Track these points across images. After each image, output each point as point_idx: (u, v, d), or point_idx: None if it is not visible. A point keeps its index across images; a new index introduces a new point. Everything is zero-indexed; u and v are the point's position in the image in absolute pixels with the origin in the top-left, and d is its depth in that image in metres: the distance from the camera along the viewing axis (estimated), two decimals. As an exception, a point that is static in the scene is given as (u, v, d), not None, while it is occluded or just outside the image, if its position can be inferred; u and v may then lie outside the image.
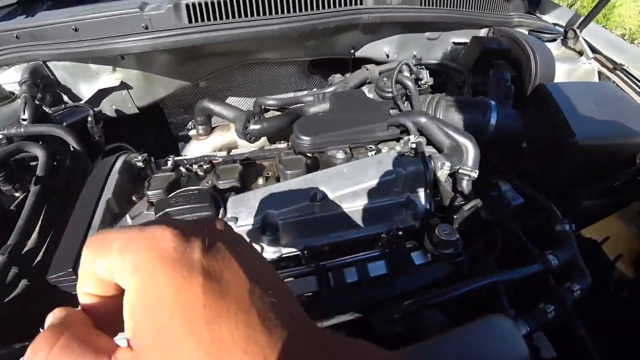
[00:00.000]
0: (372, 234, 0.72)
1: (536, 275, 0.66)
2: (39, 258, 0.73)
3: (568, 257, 0.69)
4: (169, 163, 0.88)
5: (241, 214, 0.70)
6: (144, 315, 0.19)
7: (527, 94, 1.06)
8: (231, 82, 1.24)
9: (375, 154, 0.79)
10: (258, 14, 0.94)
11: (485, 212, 0.75)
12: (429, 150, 0.85)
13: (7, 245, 0.66)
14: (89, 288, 0.22)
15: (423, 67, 1.02)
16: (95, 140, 1.03)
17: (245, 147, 1.02)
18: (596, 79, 1.20)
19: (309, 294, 0.61)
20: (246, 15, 0.94)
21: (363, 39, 1.11)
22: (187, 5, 0.93)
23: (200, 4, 0.92)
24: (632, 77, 1.12)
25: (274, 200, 0.71)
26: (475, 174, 0.83)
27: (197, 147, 1.06)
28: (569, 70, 1.20)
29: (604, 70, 1.19)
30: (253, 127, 0.91)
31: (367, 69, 1.05)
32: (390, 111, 0.91)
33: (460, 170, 0.83)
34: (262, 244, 0.71)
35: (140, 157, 0.88)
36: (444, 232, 0.65)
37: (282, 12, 0.95)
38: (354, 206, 0.72)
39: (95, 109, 1.01)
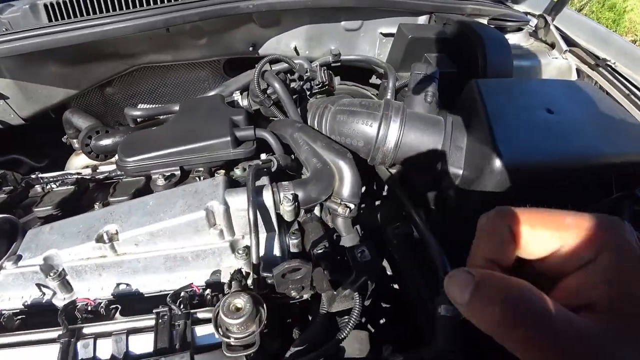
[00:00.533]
0: (171, 289, 0.56)
1: None
2: None
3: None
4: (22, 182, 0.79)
5: (27, 252, 0.58)
6: None
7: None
8: (139, 88, 1.14)
9: (202, 180, 0.63)
10: (121, 8, 0.82)
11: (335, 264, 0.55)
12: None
13: None
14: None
15: (324, 67, 0.83)
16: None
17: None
18: (574, 78, 0.92)
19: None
20: (112, 10, 0.82)
21: (263, 33, 0.94)
22: (45, 5, 0.83)
23: (58, 3, 0.82)
24: (617, 75, 0.84)
25: (64, 237, 0.58)
26: (349, 208, 0.63)
27: (76, 162, 0.96)
28: (536, 67, 0.93)
29: (583, 68, 0.90)
30: (97, 143, 0.79)
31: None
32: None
33: (327, 203, 0.64)
34: (51, 287, 0.58)
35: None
36: (233, 309, 0.46)
37: (148, 4, 0.81)
38: (155, 250, 0.57)
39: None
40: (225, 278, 0.57)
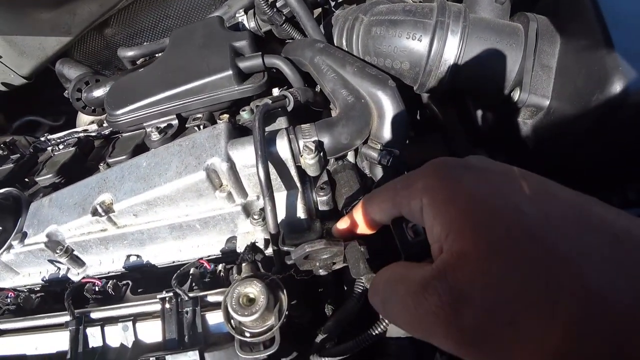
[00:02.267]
0: (186, 259, 0.48)
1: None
2: None
3: None
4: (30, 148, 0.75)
5: (31, 228, 0.54)
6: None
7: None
8: (140, 25, 0.99)
9: (202, 128, 0.51)
10: None
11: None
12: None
13: None
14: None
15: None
16: (-7, 121, 0.95)
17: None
18: None
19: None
20: None
21: None
22: None
23: None
24: None
25: (62, 211, 0.52)
26: (393, 155, 0.48)
27: (83, 118, 0.90)
28: None
29: None
30: (88, 94, 0.69)
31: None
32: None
33: (363, 149, 0.49)
34: (62, 264, 0.54)
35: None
36: (244, 300, 0.36)
37: None
38: (156, 220, 0.48)
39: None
40: (241, 247, 0.48)
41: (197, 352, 0.36)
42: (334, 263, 0.39)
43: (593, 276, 0.15)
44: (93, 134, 0.74)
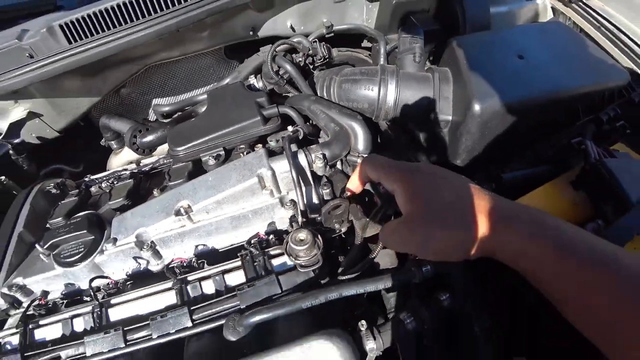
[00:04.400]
0: (240, 242, 0.76)
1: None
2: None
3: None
4: (73, 189, 0.97)
5: (120, 234, 0.77)
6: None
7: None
8: (151, 85, 1.27)
9: (246, 154, 0.81)
10: (132, 20, 0.95)
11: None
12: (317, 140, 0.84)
13: None
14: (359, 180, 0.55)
15: (322, 42, 0.98)
16: (25, 169, 1.14)
17: (160, 155, 1.08)
18: (550, 17, 1.06)
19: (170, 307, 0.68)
20: (123, 24, 0.96)
21: (260, 17, 1.07)
22: (61, 26, 0.96)
23: (72, 22, 0.95)
24: (589, 9, 0.97)
25: (146, 219, 0.77)
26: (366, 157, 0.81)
27: (115, 161, 1.13)
28: (513, 12, 1.07)
29: (558, 5, 1.04)
30: (142, 140, 0.96)
31: (260, 53, 1.02)
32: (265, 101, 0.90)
33: (348, 157, 0.82)
34: (145, 258, 0.78)
35: (53, 184, 0.97)
36: (296, 239, 0.65)
37: (155, 12, 0.94)
38: (222, 214, 0.76)
39: (14, 142, 1.11)
40: (279, 226, 0.77)
41: (273, 275, 0.64)
42: (343, 221, 0.70)
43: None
44: (135, 171, 0.99)
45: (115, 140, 1.09)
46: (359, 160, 0.81)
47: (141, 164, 1.02)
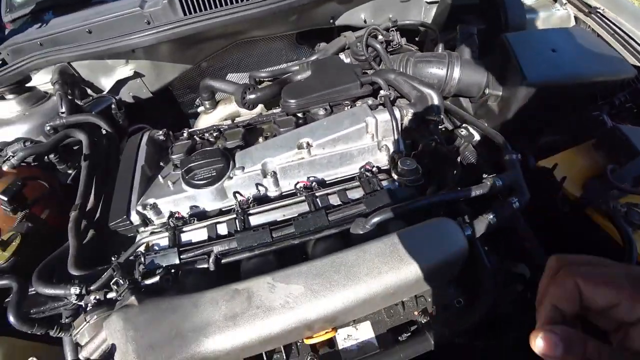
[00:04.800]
0: (351, 173, 0.96)
1: (485, 196, 0.87)
2: (97, 214, 1.00)
3: (512, 180, 0.89)
4: (185, 134, 1.13)
5: (246, 164, 0.95)
6: None
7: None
8: (229, 61, 1.46)
9: (350, 108, 1.01)
10: (237, 2, 1.15)
11: (444, 146, 0.97)
12: (400, 101, 1.06)
13: (76, 204, 0.93)
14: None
15: (394, 29, 1.21)
16: (120, 123, 1.28)
17: (246, 115, 1.26)
18: (572, 24, 1.35)
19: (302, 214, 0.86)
20: (233, 3, 1.16)
21: (341, 8, 1.30)
22: (181, 1, 1.15)
23: (192, -1, 1.14)
24: (605, 19, 1.26)
25: (271, 151, 0.95)
26: (439, 119, 1.04)
27: (206, 120, 1.30)
28: (543, 18, 1.35)
29: (580, 15, 1.33)
30: (249, 97, 1.14)
31: (345, 36, 1.25)
32: (365, 72, 1.12)
33: (427, 117, 1.04)
34: (265, 185, 0.95)
35: (160, 132, 1.13)
36: (405, 163, 0.87)
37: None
38: (335, 150, 0.95)
39: (115, 97, 1.26)
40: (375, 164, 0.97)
41: (384, 190, 0.84)
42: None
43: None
44: (231, 126, 1.17)
45: (209, 101, 1.26)
46: (437, 119, 1.02)
47: (236, 121, 1.20)
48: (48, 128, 1.12)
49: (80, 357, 0.67)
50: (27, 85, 1.24)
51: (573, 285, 0.30)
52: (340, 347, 0.78)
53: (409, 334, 0.80)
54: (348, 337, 0.79)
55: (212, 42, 1.32)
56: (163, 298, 0.68)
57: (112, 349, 0.63)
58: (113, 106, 1.25)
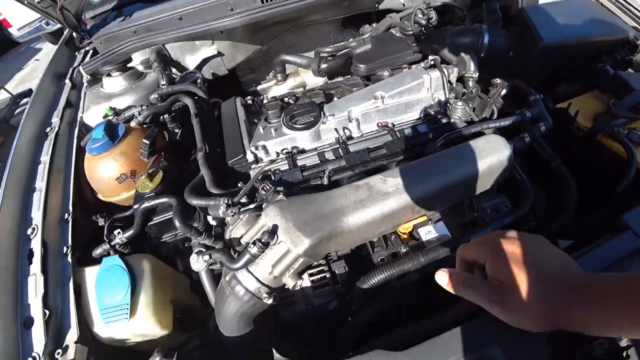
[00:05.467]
0: (413, 118, 1.24)
1: (516, 124, 1.16)
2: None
3: (537, 111, 1.18)
4: (265, 100, 1.40)
5: (335, 112, 1.21)
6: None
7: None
8: (285, 43, 1.74)
9: (408, 69, 1.30)
10: None
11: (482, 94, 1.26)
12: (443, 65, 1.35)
13: (200, 147, 1.18)
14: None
15: (431, 9, 1.50)
16: (203, 97, 1.54)
17: (311, 85, 1.54)
18: None
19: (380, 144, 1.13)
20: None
21: (384, -6, 1.59)
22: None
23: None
24: None
25: (354, 102, 1.22)
26: (475, 75, 1.33)
27: (277, 90, 1.57)
28: None
29: None
30: (323, 66, 1.42)
31: (390, 17, 1.53)
32: (413, 44, 1.41)
33: (465, 75, 1.33)
34: (349, 128, 1.22)
35: (248, 98, 1.40)
36: (457, 104, 1.15)
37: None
38: (401, 100, 1.23)
39: (200, 73, 1.52)
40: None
41: (445, 124, 1.12)
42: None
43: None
44: (304, 92, 1.44)
45: (281, 74, 1.53)
46: (474, 75, 1.31)
47: (307, 88, 1.47)
48: (155, 96, 1.37)
49: (242, 241, 0.92)
50: (129, 65, 1.49)
51: (463, 249, 0.67)
52: (423, 239, 1.05)
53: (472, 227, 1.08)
54: (428, 233, 1.06)
55: (278, 26, 1.59)
56: (301, 195, 0.94)
57: (274, 228, 0.88)
58: (199, 80, 1.50)
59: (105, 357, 1.04)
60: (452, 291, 0.67)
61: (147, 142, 1.14)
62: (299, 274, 0.89)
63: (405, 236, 1.03)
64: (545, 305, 0.55)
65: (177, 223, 1.01)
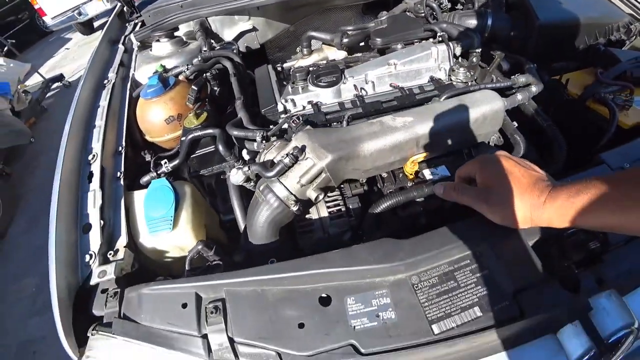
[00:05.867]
0: (421, 82, 1.43)
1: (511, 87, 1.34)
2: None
3: (531, 77, 1.36)
4: (292, 68, 1.61)
5: (354, 75, 1.42)
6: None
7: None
8: (311, 25, 1.96)
9: (419, 42, 1.50)
10: None
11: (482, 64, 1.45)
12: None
13: (239, 97, 1.39)
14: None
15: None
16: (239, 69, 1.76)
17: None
18: None
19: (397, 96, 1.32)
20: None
21: (401, -17, 1.81)
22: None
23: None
24: None
25: (370, 67, 1.43)
26: (478, 51, 1.52)
27: (302, 62, 1.78)
28: None
29: None
30: (345, 40, 1.63)
31: (406, 2, 1.75)
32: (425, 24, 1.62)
33: (470, 50, 1.53)
34: (366, 89, 1.42)
35: (278, 65, 1.61)
36: (460, 71, 1.34)
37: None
38: (411, 68, 1.43)
39: (236, 44, 1.75)
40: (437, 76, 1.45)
41: (448, 84, 1.31)
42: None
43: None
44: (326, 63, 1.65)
45: (307, 48, 1.75)
46: (477, 51, 1.50)
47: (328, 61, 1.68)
48: (199, 58, 1.60)
49: (274, 160, 1.10)
50: (175, 33, 1.73)
51: (460, 169, 0.85)
52: (427, 178, 1.23)
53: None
54: (432, 173, 1.23)
55: (306, 7, 1.82)
56: (325, 128, 1.14)
57: (302, 147, 1.06)
58: (235, 51, 1.73)
59: (145, 266, 1.22)
60: (447, 198, 0.84)
61: (196, 88, 1.35)
62: (321, 189, 1.07)
63: (412, 176, 1.21)
64: (520, 204, 0.72)
65: (220, 148, 1.21)
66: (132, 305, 0.92)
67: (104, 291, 0.96)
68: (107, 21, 1.95)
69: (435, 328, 0.80)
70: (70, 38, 8.97)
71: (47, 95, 5.77)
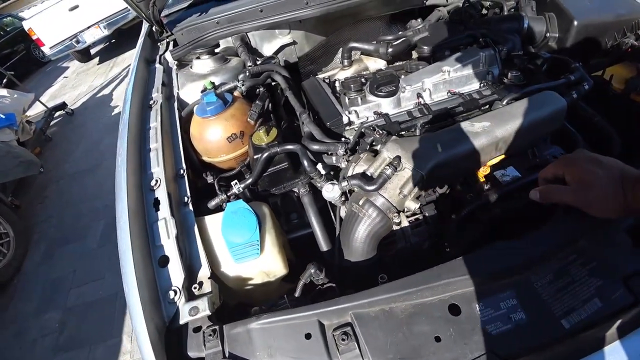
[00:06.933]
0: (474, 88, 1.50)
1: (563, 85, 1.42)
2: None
3: (580, 75, 1.44)
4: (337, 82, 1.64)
5: (411, 83, 1.46)
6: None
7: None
8: (342, 38, 1.99)
9: (464, 48, 1.57)
10: None
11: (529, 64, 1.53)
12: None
13: (302, 110, 1.40)
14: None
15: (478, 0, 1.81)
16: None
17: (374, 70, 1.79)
18: None
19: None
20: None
21: (430, -8, 1.88)
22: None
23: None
24: None
25: (425, 75, 1.47)
26: (521, 53, 1.60)
27: (343, 74, 1.81)
28: None
29: None
30: (390, 50, 1.68)
31: (439, 10, 1.82)
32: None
33: (512, 53, 1.61)
34: (423, 96, 1.46)
35: (322, 78, 1.63)
36: (513, 73, 1.41)
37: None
38: (463, 73, 1.49)
39: (278, 58, 1.76)
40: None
41: (506, 86, 1.37)
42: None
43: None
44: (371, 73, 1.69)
45: (348, 59, 1.78)
46: (520, 53, 1.58)
47: (371, 71, 1.72)
48: (246, 74, 1.59)
49: (368, 173, 1.11)
50: (216, 50, 1.72)
51: (543, 172, 0.89)
52: (500, 180, 1.28)
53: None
54: (503, 175, 1.29)
55: (340, 20, 1.85)
56: (410, 137, 1.17)
57: (394, 160, 1.09)
58: (276, 63, 1.74)
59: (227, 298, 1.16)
60: (545, 201, 0.88)
61: (260, 103, 1.35)
62: (417, 198, 1.10)
63: (483, 179, 1.26)
64: (617, 194, 0.77)
65: (305, 164, 1.21)
66: (240, 343, 0.84)
67: (196, 330, 0.88)
68: (137, 42, 1.91)
69: (565, 323, 0.84)
70: (67, 66, 9.04)
71: (50, 124, 5.77)
